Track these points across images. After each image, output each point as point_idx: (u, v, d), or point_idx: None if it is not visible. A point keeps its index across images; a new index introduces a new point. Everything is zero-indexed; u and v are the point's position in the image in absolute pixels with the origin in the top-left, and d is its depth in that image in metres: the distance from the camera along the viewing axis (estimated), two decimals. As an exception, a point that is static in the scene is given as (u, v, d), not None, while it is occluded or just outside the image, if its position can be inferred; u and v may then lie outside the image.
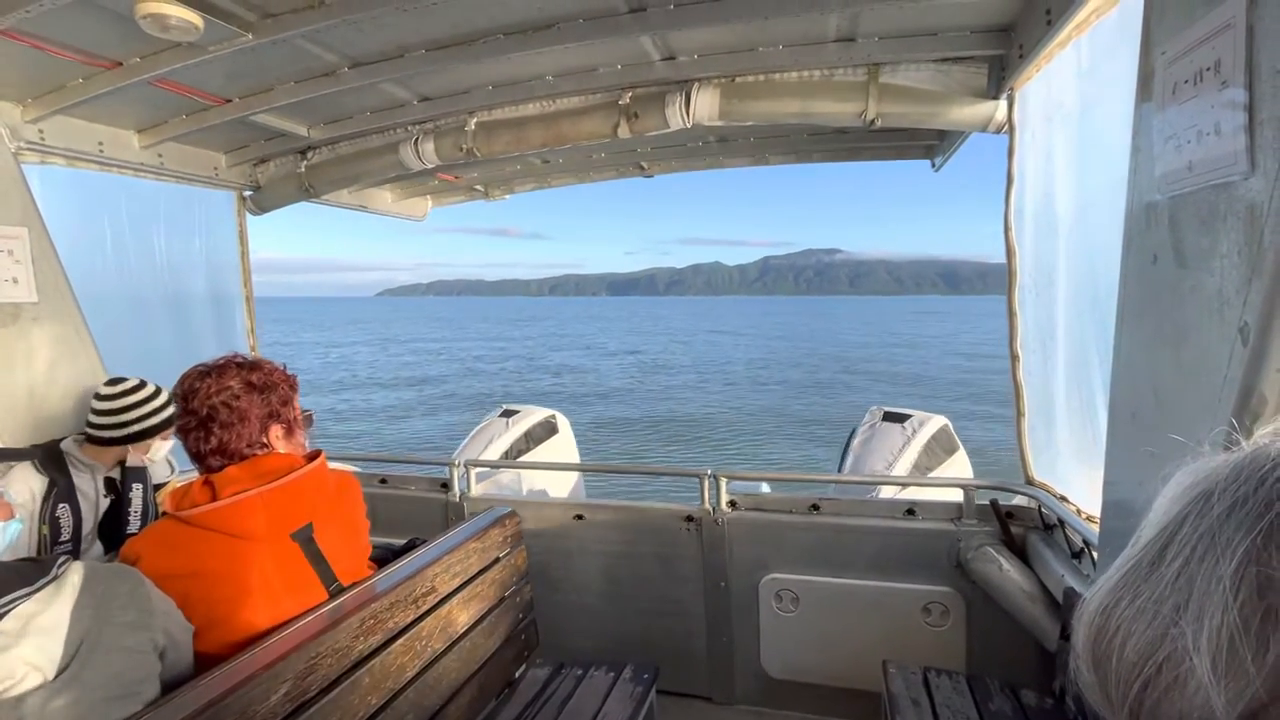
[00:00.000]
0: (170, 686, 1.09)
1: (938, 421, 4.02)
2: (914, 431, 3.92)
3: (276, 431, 1.45)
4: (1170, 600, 0.39)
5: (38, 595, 0.98)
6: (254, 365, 1.47)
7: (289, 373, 1.54)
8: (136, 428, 2.06)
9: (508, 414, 4.82)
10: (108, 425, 2.04)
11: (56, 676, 0.95)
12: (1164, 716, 0.39)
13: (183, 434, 1.39)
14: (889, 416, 3.99)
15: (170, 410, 2.12)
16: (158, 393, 2.13)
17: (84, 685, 0.96)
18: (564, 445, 4.97)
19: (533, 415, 4.86)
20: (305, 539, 1.40)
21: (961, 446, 3.98)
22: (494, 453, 4.69)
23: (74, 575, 1.04)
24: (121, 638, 1.03)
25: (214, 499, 1.31)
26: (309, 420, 1.55)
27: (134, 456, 2.10)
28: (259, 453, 1.41)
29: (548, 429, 4.86)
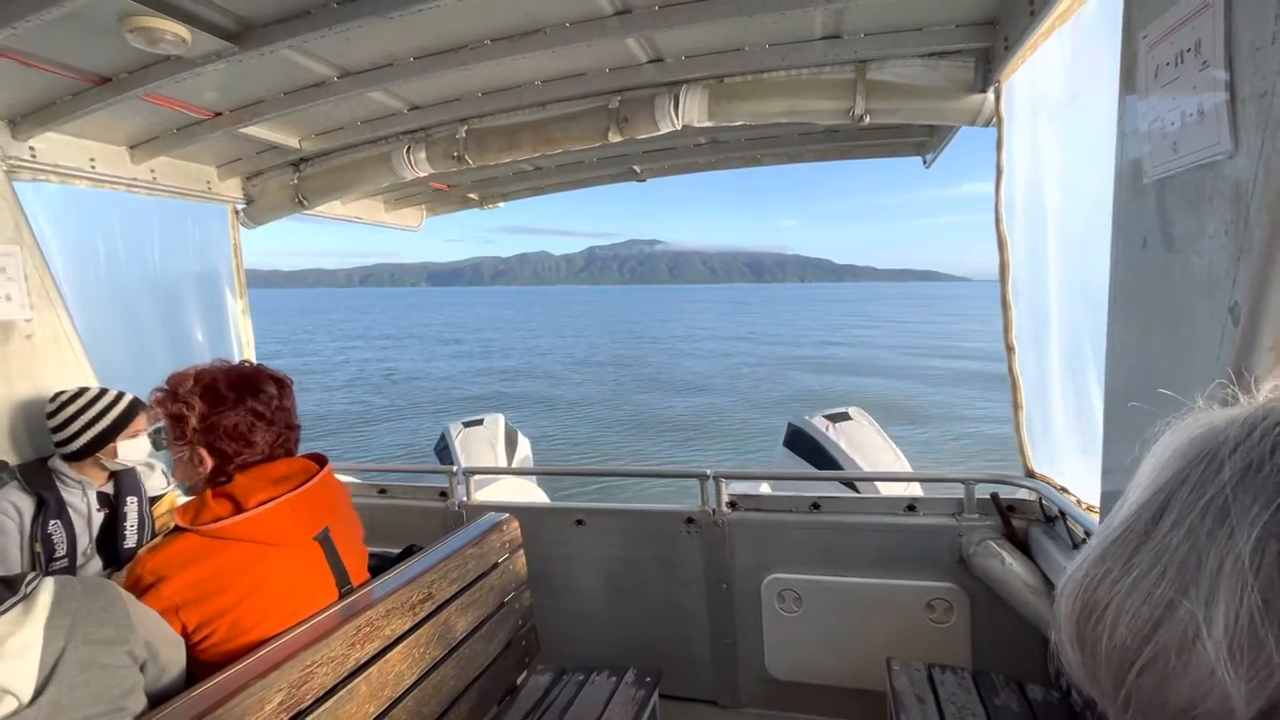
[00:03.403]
0: (159, 699, 1.07)
1: (864, 412, 4.13)
2: (870, 424, 4.01)
3: (295, 437, 1.48)
4: (1172, 575, 0.35)
5: (7, 616, 0.94)
6: (270, 373, 1.47)
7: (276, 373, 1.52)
8: (89, 434, 2.02)
9: (472, 424, 4.91)
10: (66, 439, 2.01)
11: (32, 700, 0.91)
12: (1166, 702, 0.35)
13: (241, 434, 1.36)
14: (833, 417, 4.08)
15: (119, 409, 2.07)
16: (99, 395, 2.07)
17: (62, 707, 0.93)
18: (527, 445, 5.09)
19: (497, 423, 4.98)
20: (325, 540, 1.42)
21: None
22: (496, 461, 4.73)
23: (44, 593, 0.99)
24: (99, 654, 1.00)
25: (238, 510, 1.30)
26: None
27: (106, 461, 2.07)
28: (265, 458, 1.41)
29: (512, 432, 4.98)
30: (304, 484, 1.39)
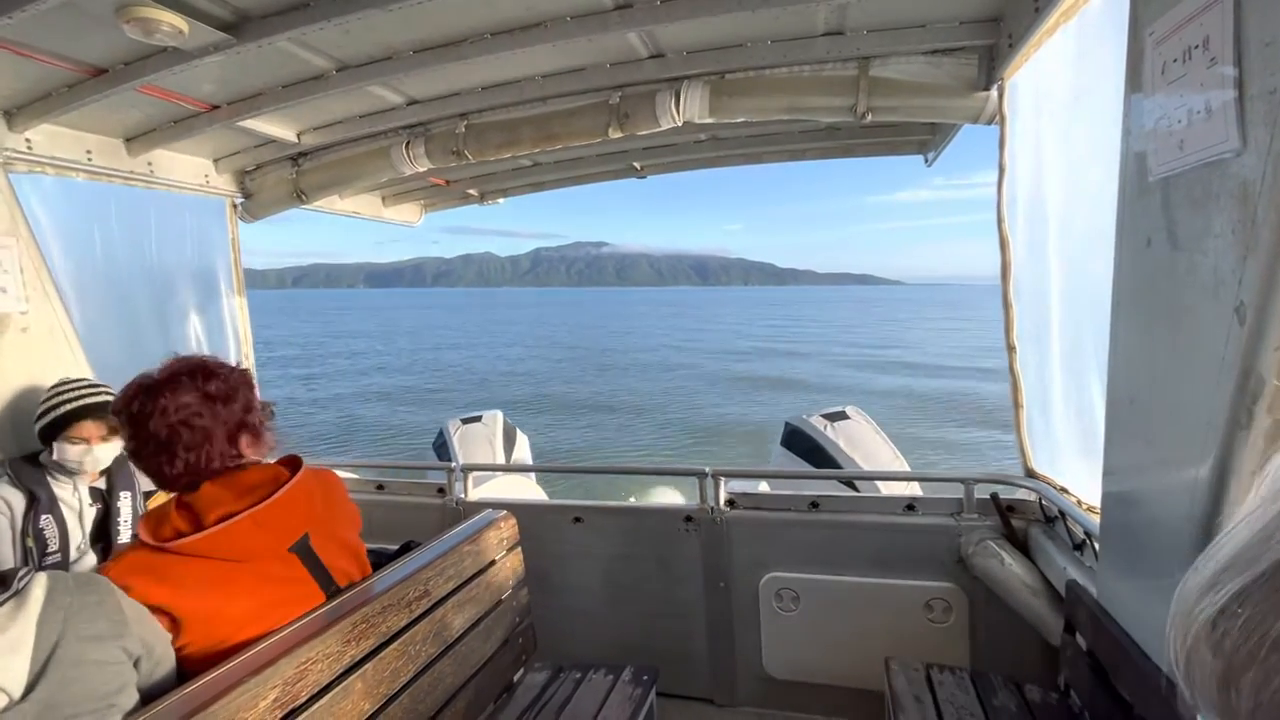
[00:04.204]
0: (152, 694, 1.06)
1: (861, 411, 4.13)
2: (869, 422, 4.01)
3: (246, 440, 1.34)
4: None
5: None
6: (208, 373, 1.32)
7: (242, 369, 1.42)
8: (37, 428, 1.96)
9: (471, 420, 4.90)
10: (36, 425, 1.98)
11: (23, 697, 0.90)
12: None
13: (138, 459, 1.27)
14: (831, 416, 4.07)
15: (63, 409, 1.96)
16: (62, 390, 2.00)
17: (53, 704, 0.92)
18: (525, 442, 5.08)
19: (496, 419, 4.96)
20: (304, 549, 1.35)
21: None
22: (494, 458, 4.73)
23: (37, 589, 0.98)
24: (91, 651, 0.99)
25: (198, 525, 1.22)
26: (270, 414, 1.47)
27: (58, 460, 1.99)
28: (231, 465, 1.32)
29: (511, 429, 4.97)
30: (269, 497, 1.29)
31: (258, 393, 1.43)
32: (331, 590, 1.39)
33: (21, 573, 1.00)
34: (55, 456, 1.98)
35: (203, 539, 1.20)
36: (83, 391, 2.03)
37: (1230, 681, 0.31)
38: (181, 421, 1.25)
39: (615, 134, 2.35)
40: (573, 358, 33.99)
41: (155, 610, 1.15)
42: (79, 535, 2.02)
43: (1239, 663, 0.30)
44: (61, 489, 2.00)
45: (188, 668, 1.17)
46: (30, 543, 1.89)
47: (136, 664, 1.06)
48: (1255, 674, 0.30)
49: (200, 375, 1.31)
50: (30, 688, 0.91)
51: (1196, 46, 0.97)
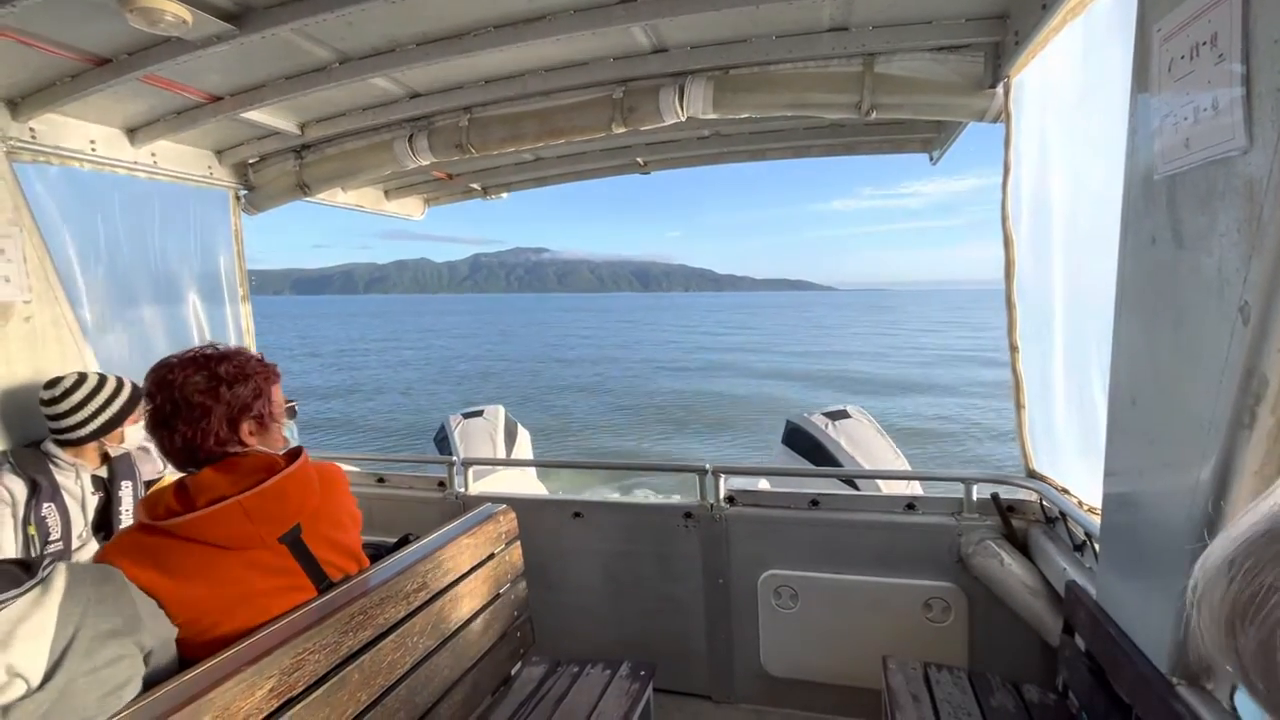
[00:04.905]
0: (155, 683, 1.07)
1: (863, 410, 4.13)
2: (870, 421, 4.01)
3: (249, 427, 1.35)
4: None
5: (25, 598, 0.95)
6: (224, 356, 1.37)
7: (266, 362, 1.44)
8: (100, 420, 2.05)
9: (472, 415, 4.90)
10: (71, 426, 2.02)
11: (41, 685, 0.92)
12: None
13: (152, 431, 1.32)
14: (833, 414, 4.07)
15: (125, 395, 2.12)
16: (103, 382, 2.11)
17: (68, 693, 0.94)
18: (526, 437, 5.08)
19: (497, 414, 4.97)
20: (294, 540, 1.34)
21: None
22: (495, 453, 4.74)
23: (58, 579, 1.01)
24: (106, 643, 1.01)
25: (190, 507, 1.22)
26: (291, 411, 1.46)
27: (111, 447, 2.12)
28: (234, 451, 1.33)
29: (512, 424, 4.97)
30: (259, 484, 1.28)
31: (279, 388, 1.46)
32: (324, 585, 1.38)
33: (47, 561, 1.03)
34: (126, 441, 2.15)
35: (190, 521, 1.21)
36: (116, 378, 2.17)
37: (1234, 624, 0.35)
38: (183, 397, 1.30)
39: (619, 129, 2.35)
40: (508, 369, 33.91)
41: (146, 589, 1.16)
42: (81, 523, 2.03)
43: (1241, 607, 0.34)
44: (64, 477, 2.01)
45: (181, 653, 1.18)
46: (32, 531, 1.89)
47: (148, 657, 1.08)
48: (1255, 616, 0.33)
49: (215, 358, 1.36)
50: (48, 676, 0.93)
51: (1204, 43, 0.96)
